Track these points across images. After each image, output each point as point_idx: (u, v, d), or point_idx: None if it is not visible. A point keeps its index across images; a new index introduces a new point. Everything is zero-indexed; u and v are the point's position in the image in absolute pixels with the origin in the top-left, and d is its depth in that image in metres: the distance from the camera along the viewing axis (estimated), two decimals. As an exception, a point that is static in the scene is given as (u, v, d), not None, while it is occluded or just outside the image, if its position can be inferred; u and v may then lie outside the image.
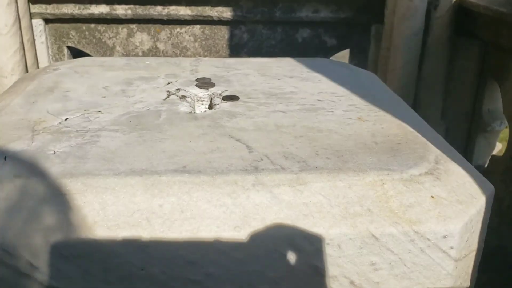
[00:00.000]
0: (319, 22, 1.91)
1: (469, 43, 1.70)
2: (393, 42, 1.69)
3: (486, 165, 1.74)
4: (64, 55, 1.92)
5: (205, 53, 1.95)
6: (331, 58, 2.07)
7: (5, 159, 0.74)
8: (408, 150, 0.81)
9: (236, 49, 1.95)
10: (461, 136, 1.81)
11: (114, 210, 0.67)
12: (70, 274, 0.65)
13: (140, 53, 1.93)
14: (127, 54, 1.93)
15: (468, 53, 1.71)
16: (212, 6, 1.83)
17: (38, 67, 1.80)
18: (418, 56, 1.71)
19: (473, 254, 0.76)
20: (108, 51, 1.93)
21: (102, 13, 1.82)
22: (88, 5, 1.81)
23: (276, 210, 0.68)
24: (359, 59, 1.99)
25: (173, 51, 1.93)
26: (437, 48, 1.69)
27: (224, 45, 1.94)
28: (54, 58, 1.91)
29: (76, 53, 2.01)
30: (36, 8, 1.79)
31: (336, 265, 0.68)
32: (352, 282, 0.69)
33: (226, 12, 1.84)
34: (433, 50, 1.69)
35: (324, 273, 0.68)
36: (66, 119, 0.91)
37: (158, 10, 1.83)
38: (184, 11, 1.84)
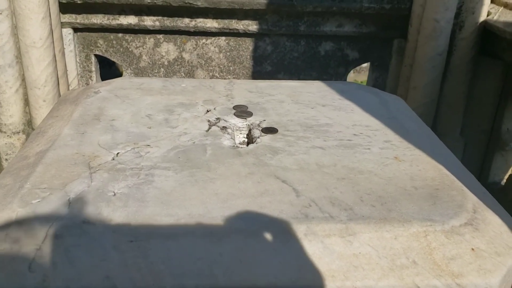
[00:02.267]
0: (342, 35, 1.94)
1: (491, 63, 1.73)
2: (417, 60, 1.72)
3: (503, 183, 1.78)
4: (91, 63, 1.96)
5: (229, 64, 1.98)
6: (352, 70, 2.11)
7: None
8: (446, 197, 0.86)
9: (259, 61, 1.98)
10: (479, 153, 1.85)
11: (178, 258, 0.72)
12: (137, 317, 0.70)
13: (166, 63, 1.97)
14: (153, 63, 1.97)
15: (491, 73, 1.74)
16: (238, 19, 1.86)
17: (67, 76, 1.84)
18: (441, 75, 1.74)
19: (506, 298, 0.82)
20: (134, 60, 1.96)
21: (130, 23, 1.86)
22: (117, 16, 1.84)
23: (328, 261, 0.73)
24: (380, 72, 2.03)
25: (198, 61, 1.97)
26: (460, 68, 1.72)
27: (248, 57, 1.97)
28: (81, 66, 1.95)
29: (101, 60, 2.05)
30: (66, 18, 1.82)
31: (383, 312, 0.73)
32: (396, 328, 0.74)
33: (252, 25, 1.88)
34: (456, 70, 1.73)
35: (371, 319, 0.73)
36: (117, 153, 0.96)
37: (185, 22, 1.86)
38: (211, 24, 1.87)
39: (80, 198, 0.81)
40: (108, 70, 2.69)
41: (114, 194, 0.82)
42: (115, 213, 0.77)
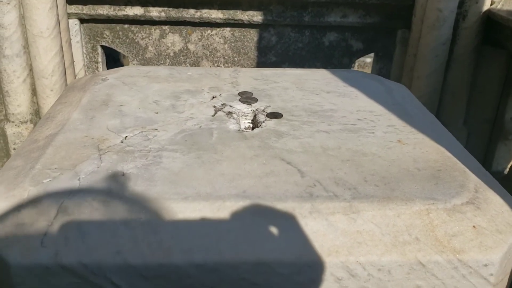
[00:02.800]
0: (346, 26, 1.96)
1: (495, 52, 1.74)
2: (420, 50, 1.73)
3: (506, 172, 1.79)
4: (98, 54, 1.98)
5: (234, 55, 2.00)
6: (357, 65, 2.12)
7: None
8: (449, 178, 0.87)
9: (264, 51, 2.00)
10: (482, 142, 1.86)
11: (186, 234, 0.74)
12: (147, 291, 0.72)
13: (172, 54, 1.99)
14: (158, 54, 1.99)
15: (494, 62, 1.75)
16: (243, 10, 1.87)
17: (74, 67, 1.86)
18: (445, 65, 1.75)
19: (508, 276, 0.83)
20: (140, 51, 1.98)
21: (136, 14, 1.87)
22: (123, 7, 1.86)
23: (332, 238, 0.75)
24: (384, 62, 2.04)
25: (203, 52, 1.99)
26: (464, 57, 1.73)
27: (253, 47, 1.99)
28: (88, 57, 1.97)
29: (107, 52, 2.07)
30: (72, 9, 1.84)
31: None
32: (399, 303, 0.76)
33: (256, 16, 1.89)
34: (459, 59, 1.74)
35: (374, 294, 0.75)
36: (126, 136, 0.98)
37: (190, 13, 1.87)
38: (216, 14, 1.88)
39: (90, 177, 0.83)
40: (113, 65, 2.72)
41: (123, 174, 0.84)
42: (125, 191, 0.79)
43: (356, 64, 2.09)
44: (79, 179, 0.82)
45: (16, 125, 1.73)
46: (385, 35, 1.98)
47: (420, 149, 0.97)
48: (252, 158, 0.91)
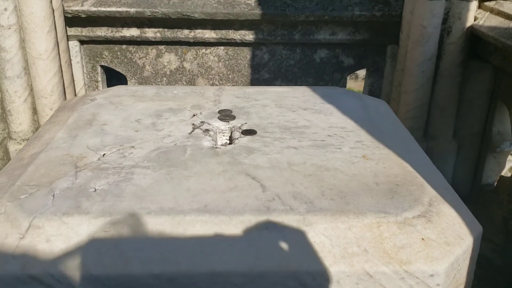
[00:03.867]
0: (337, 43, 2.00)
1: (481, 66, 1.76)
2: (407, 66, 1.77)
3: (495, 184, 1.81)
4: (97, 73, 2.06)
5: (228, 72, 2.06)
6: (348, 77, 2.16)
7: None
8: (405, 192, 0.91)
9: (257, 69, 2.06)
10: (473, 155, 1.88)
11: (146, 247, 0.79)
12: (109, 300, 0.77)
13: (168, 72, 2.06)
14: (155, 73, 2.06)
15: (480, 76, 1.77)
16: (235, 29, 1.94)
17: (74, 86, 1.94)
18: (431, 79, 1.78)
19: (462, 287, 0.86)
20: (138, 70, 2.06)
21: (133, 35, 1.95)
22: (120, 28, 1.94)
23: (284, 249, 0.79)
24: (375, 77, 2.08)
25: (199, 70, 2.05)
26: (450, 72, 1.76)
27: (246, 65, 2.05)
28: (88, 76, 2.06)
29: (106, 71, 2.15)
30: (72, 31, 1.93)
31: (336, 297, 0.78)
32: (349, 312, 0.79)
33: (248, 35, 1.95)
34: (445, 74, 1.77)
35: (325, 304, 0.78)
36: (104, 154, 1.04)
37: (185, 33, 1.95)
38: (209, 34, 1.95)
39: (64, 193, 0.88)
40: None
41: (95, 190, 0.90)
42: (93, 206, 0.85)
43: (348, 77, 2.13)
44: (53, 195, 0.88)
45: (18, 142, 1.82)
46: (375, 51, 2.03)
47: (383, 164, 1.01)
48: (220, 174, 0.96)
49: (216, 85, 2.08)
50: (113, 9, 1.85)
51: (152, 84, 2.10)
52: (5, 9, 1.63)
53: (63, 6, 1.81)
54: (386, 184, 0.93)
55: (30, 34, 1.66)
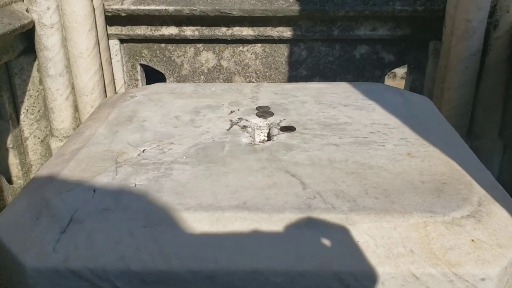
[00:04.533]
0: (377, 39, 1.95)
1: (530, 62, 1.68)
2: (451, 61, 1.70)
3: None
4: (137, 71, 2.08)
5: (265, 70, 2.04)
6: (389, 73, 2.11)
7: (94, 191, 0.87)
8: (452, 191, 0.87)
9: (295, 66, 2.03)
10: (521, 154, 1.79)
11: (185, 243, 0.78)
12: (148, 296, 0.77)
13: (206, 70, 2.06)
14: (193, 71, 2.06)
15: (529, 72, 1.69)
16: (273, 26, 1.92)
17: (114, 84, 1.97)
18: (476, 76, 1.71)
19: (514, 292, 0.81)
20: (176, 69, 2.07)
21: (171, 34, 1.96)
22: (159, 27, 1.95)
23: (326, 249, 0.76)
24: (417, 74, 2.02)
25: (236, 68, 2.05)
26: (496, 68, 1.68)
27: (284, 62, 2.03)
28: (128, 75, 2.08)
29: (147, 70, 2.17)
30: (112, 30, 1.95)
31: (380, 299, 0.75)
32: (394, 315, 0.76)
33: (286, 32, 1.93)
34: (491, 70, 1.69)
35: (368, 306, 0.75)
36: (143, 150, 1.04)
37: (222, 31, 1.94)
38: (246, 32, 1.94)
39: (104, 188, 0.89)
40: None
41: (135, 185, 0.90)
42: (133, 202, 0.85)
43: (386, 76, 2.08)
44: (94, 190, 0.88)
45: (59, 139, 1.85)
46: (417, 47, 1.96)
47: (429, 161, 0.97)
48: (258, 171, 0.94)
49: (253, 82, 2.07)
50: (152, 7, 1.86)
51: (190, 82, 2.10)
52: (48, 8, 1.66)
53: (103, 4, 1.83)
54: (432, 182, 0.89)
55: (71, 32, 1.69)
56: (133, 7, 1.87)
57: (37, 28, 1.69)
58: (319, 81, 2.05)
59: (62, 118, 1.83)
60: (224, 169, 0.95)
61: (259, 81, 2.07)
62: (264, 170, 0.95)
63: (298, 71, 2.04)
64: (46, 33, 1.69)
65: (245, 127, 1.16)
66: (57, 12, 1.68)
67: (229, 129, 1.15)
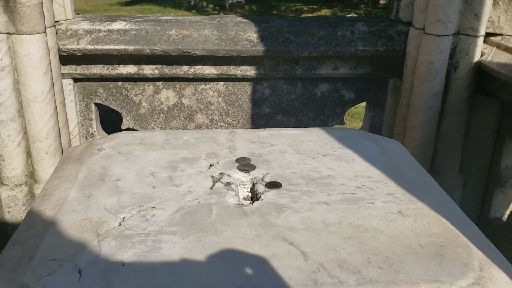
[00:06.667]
0: (338, 77, 1.98)
1: (487, 101, 1.76)
2: (413, 102, 1.75)
3: (504, 219, 1.79)
4: (91, 111, 1.98)
5: (228, 107, 2.01)
6: (348, 110, 2.14)
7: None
8: (452, 255, 0.86)
9: (258, 103, 2.01)
10: (479, 190, 1.87)
11: (190, 333, 0.72)
12: None
13: (166, 108, 1.99)
14: (152, 109, 1.99)
15: (487, 111, 1.77)
16: (236, 65, 1.89)
17: (68, 126, 1.85)
18: (438, 115, 1.77)
19: None
20: (134, 107, 1.99)
21: (130, 73, 1.89)
22: (116, 66, 1.87)
23: (339, 330, 0.73)
24: (376, 111, 2.06)
25: (198, 106, 1.99)
26: (457, 107, 1.75)
27: (247, 100, 2.00)
28: (82, 115, 1.97)
29: (99, 108, 2.07)
30: (66, 69, 1.85)
31: None
32: None
33: (249, 71, 1.91)
34: (452, 109, 1.76)
35: None
36: (124, 217, 0.97)
37: (184, 70, 1.89)
38: (209, 70, 1.90)
39: (91, 269, 0.81)
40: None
41: (123, 265, 0.82)
42: (126, 285, 0.78)
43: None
44: (79, 272, 0.81)
45: (10, 188, 1.72)
46: (376, 85, 2.01)
47: (421, 221, 0.97)
48: (254, 239, 0.90)
49: (216, 120, 2.03)
50: (111, 47, 1.78)
51: (148, 121, 2.03)
52: (-2, 50, 1.55)
53: (58, 44, 1.73)
54: (430, 245, 0.89)
55: (25, 76, 1.58)
56: (90, 47, 1.78)
57: (-14, 71, 1.56)
58: (281, 118, 2.04)
59: (13, 166, 1.70)
60: (217, 239, 0.90)
61: (222, 119, 2.03)
62: (259, 238, 0.90)
63: (261, 109, 2.02)
64: (-4, 77, 1.57)
65: (228, 183, 1.11)
66: (9, 54, 1.57)
67: (212, 187, 1.09)
